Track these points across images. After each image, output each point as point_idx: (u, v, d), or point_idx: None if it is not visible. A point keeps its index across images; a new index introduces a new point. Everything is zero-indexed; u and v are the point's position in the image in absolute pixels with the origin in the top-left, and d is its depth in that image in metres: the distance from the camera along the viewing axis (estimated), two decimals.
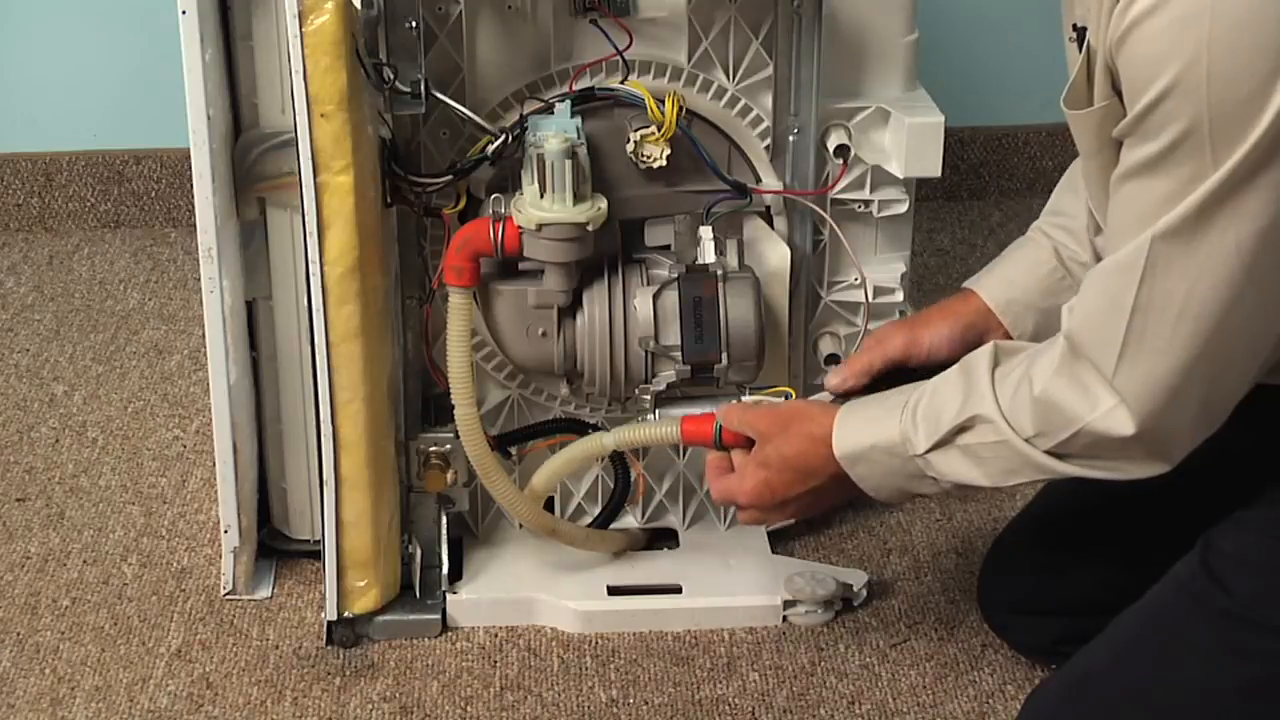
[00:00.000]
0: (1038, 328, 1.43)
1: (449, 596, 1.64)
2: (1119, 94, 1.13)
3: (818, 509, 1.45)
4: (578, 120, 1.49)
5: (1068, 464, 1.21)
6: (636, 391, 1.53)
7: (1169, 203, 1.08)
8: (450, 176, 1.52)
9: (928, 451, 1.27)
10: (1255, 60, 1.00)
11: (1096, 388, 1.16)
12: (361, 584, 1.58)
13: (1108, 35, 1.08)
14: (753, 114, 1.57)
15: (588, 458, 1.58)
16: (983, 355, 1.27)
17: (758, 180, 1.59)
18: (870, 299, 1.62)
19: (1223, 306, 1.10)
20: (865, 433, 1.31)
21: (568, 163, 1.43)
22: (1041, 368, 1.20)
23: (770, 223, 1.61)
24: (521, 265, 1.52)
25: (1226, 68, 1.01)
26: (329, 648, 1.61)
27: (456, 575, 1.66)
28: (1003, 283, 1.45)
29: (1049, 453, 1.21)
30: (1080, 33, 1.18)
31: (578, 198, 1.45)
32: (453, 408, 1.54)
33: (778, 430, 1.37)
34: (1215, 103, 1.02)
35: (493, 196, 1.51)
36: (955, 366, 1.29)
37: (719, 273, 1.51)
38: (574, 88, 1.54)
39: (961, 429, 1.25)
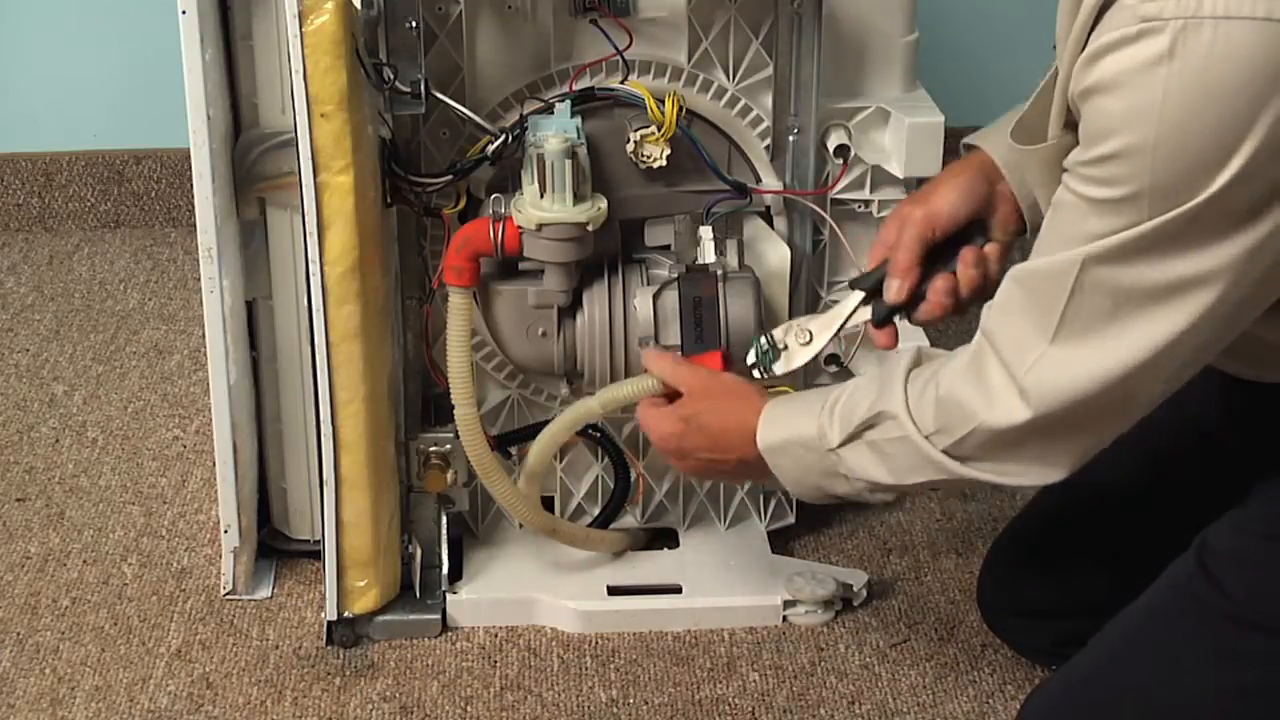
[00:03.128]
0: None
1: (449, 596, 1.64)
2: (1070, 129, 1.15)
3: (711, 477, 1.51)
4: (578, 120, 1.49)
5: (964, 466, 1.22)
6: None
7: (1104, 235, 1.09)
8: (450, 176, 1.52)
9: (839, 446, 1.29)
10: (1198, 141, 1.02)
11: (999, 387, 1.18)
12: (361, 584, 1.58)
13: (1070, 84, 1.10)
14: (753, 114, 1.57)
15: (576, 423, 1.56)
16: (903, 356, 1.28)
17: (758, 180, 1.59)
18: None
19: (1141, 331, 1.11)
20: (787, 427, 1.33)
21: (568, 163, 1.43)
22: (950, 368, 1.22)
23: (770, 223, 1.61)
24: (521, 265, 1.52)
25: (1174, 140, 1.03)
26: (329, 648, 1.61)
27: (456, 575, 1.66)
28: (1007, 141, 1.40)
29: (946, 452, 1.22)
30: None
31: (578, 198, 1.45)
32: (453, 408, 1.54)
33: (707, 398, 1.40)
34: (1159, 173, 1.04)
35: (493, 196, 1.51)
36: (874, 369, 1.31)
37: (719, 273, 1.51)
38: (574, 88, 1.54)
39: (869, 424, 1.27)
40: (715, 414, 1.39)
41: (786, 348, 1.41)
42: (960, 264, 1.34)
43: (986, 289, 1.34)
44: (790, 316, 1.62)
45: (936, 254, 1.35)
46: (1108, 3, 1.06)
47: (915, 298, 1.35)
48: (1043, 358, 1.15)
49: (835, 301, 1.47)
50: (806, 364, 1.42)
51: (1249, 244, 1.06)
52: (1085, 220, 1.10)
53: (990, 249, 1.36)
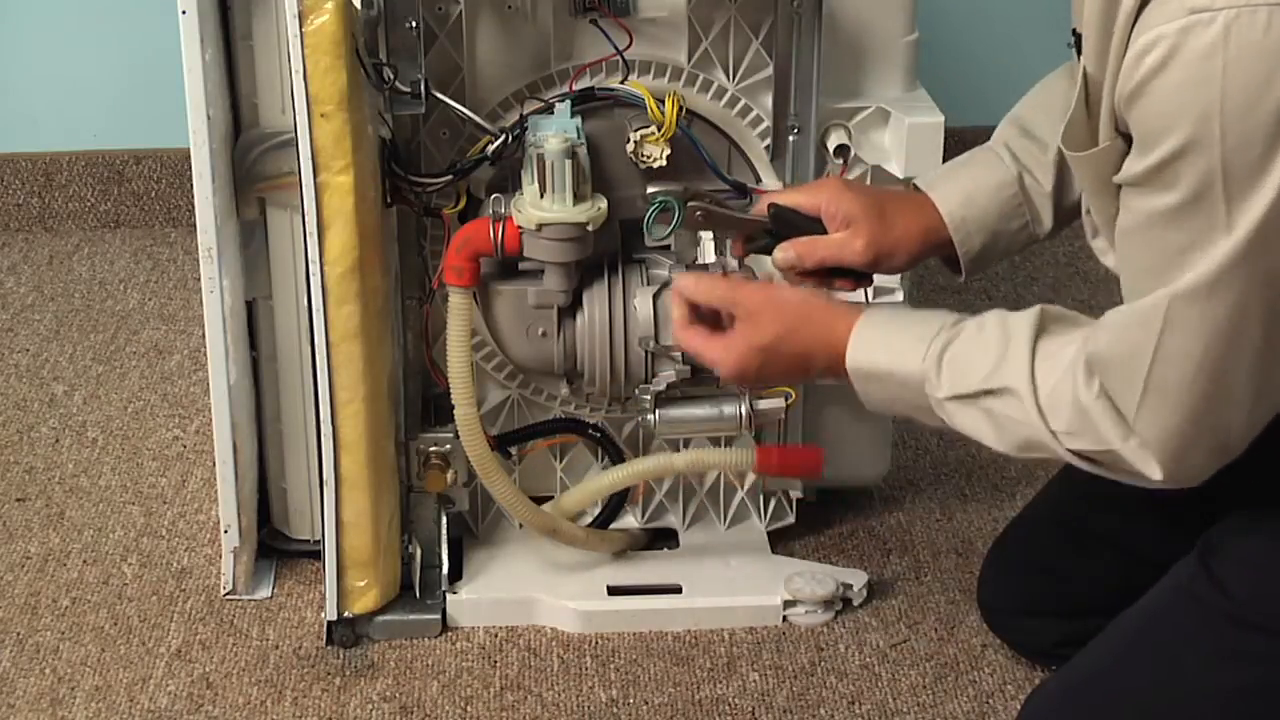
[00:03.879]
0: (984, 249, 1.42)
1: (449, 596, 1.64)
2: (1123, 135, 1.12)
3: (786, 383, 1.46)
4: (578, 120, 1.49)
5: (1084, 463, 1.20)
6: (636, 391, 1.53)
7: (1184, 254, 1.08)
8: (450, 176, 1.52)
9: (947, 400, 1.24)
10: (1268, 117, 1.01)
11: (1121, 436, 1.16)
12: (361, 584, 1.58)
13: (1118, 85, 1.08)
14: (753, 114, 1.57)
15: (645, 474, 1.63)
16: (1026, 320, 1.23)
17: (758, 180, 1.59)
18: (870, 299, 1.62)
19: (1239, 363, 1.10)
20: (884, 356, 1.28)
21: (568, 163, 1.43)
22: (1086, 381, 1.18)
23: None
24: (521, 265, 1.52)
25: (1240, 125, 1.01)
26: (329, 648, 1.61)
27: (456, 575, 1.66)
28: (961, 197, 1.42)
29: (1073, 450, 1.20)
30: (1078, 40, 1.17)
31: (578, 198, 1.45)
32: (453, 408, 1.54)
33: (781, 322, 1.33)
34: (1229, 159, 1.02)
35: (493, 196, 1.51)
36: (993, 318, 1.25)
37: (719, 272, 1.51)
38: (574, 88, 1.54)
39: (989, 393, 1.22)
40: (797, 340, 1.32)
41: (680, 218, 1.45)
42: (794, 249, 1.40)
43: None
44: None
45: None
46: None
47: (768, 249, 1.42)
48: (1144, 403, 1.14)
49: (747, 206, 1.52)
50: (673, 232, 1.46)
51: None
52: (1161, 235, 1.08)
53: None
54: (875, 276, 1.58)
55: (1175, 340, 1.10)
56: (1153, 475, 1.16)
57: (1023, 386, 1.20)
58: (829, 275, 1.41)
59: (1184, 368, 1.11)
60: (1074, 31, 1.19)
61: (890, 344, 1.28)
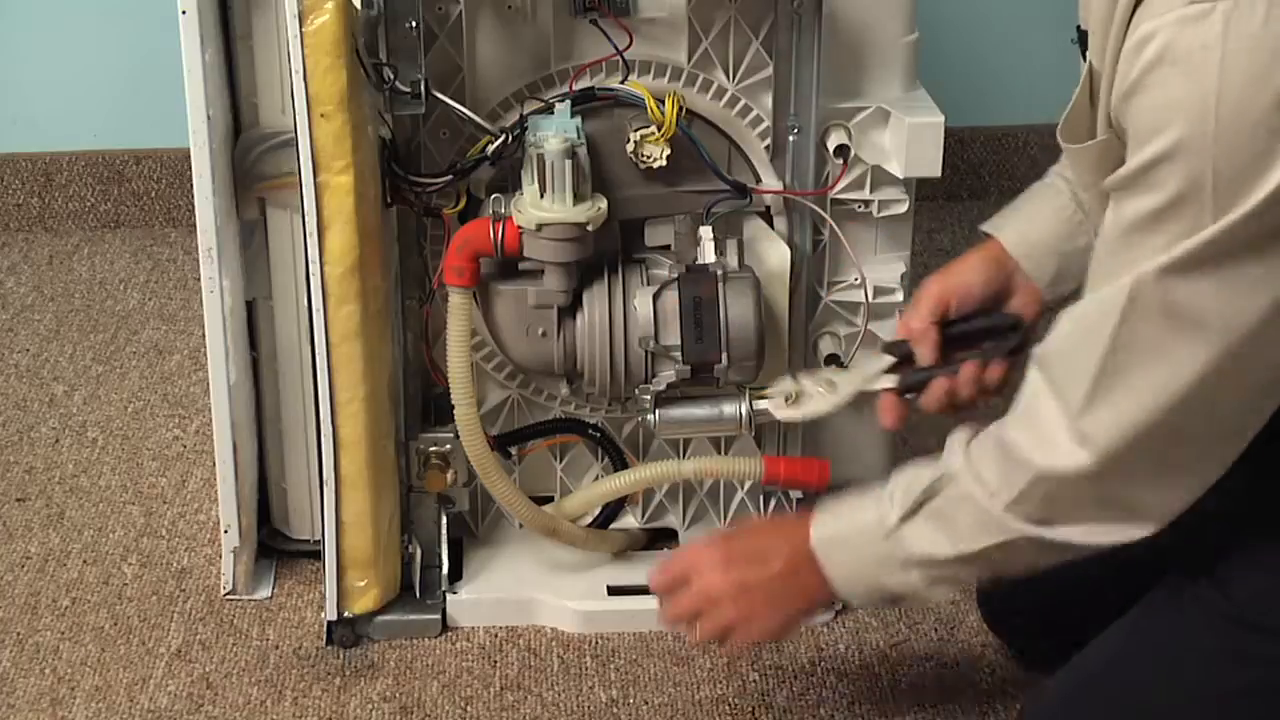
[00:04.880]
0: (1059, 271, 1.40)
1: (449, 596, 1.64)
2: (1118, 134, 1.11)
3: (747, 605, 1.34)
4: (578, 120, 1.49)
5: (1033, 526, 1.17)
6: (636, 391, 1.53)
7: (1160, 254, 1.05)
8: (450, 176, 1.52)
9: (900, 523, 1.24)
10: (1262, 121, 0.98)
11: (1054, 429, 1.14)
12: (361, 584, 1.58)
13: (1116, 80, 1.06)
14: (753, 114, 1.57)
15: (652, 480, 1.64)
16: (961, 429, 1.25)
17: (758, 180, 1.59)
18: (870, 299, 1.62)
19: (1198, 361, 1.07)
20: (843, 517, 1.30)
21: (568, 163, 1.43)
22: (1007, 418, 1.19)
23: (770, 223, 1.61)
24: (521, 265, 1.52)
25: (1236, 120, 0.99)
26: (329, 648, 1.61)
27: (456, 575, 1.66)
28: (1022, 226, 1.42)
29: (1011, 510, 1.17)
30: (1082, 37, 1.17)
31: (578, 198, 1.45)
32: (453, 408, 1.54)
33: (740, 531, 1.39)
34: (1220, 163, 1.00)
35: (493, 196, 1.51)
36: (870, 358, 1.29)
37: (719, 273, 1.51)
38: (574, 88, 1.54)
39: (931, 493, 1.23)
40: (761, 527, 1.38)
41: (803, 391, 1.45)
42: (962, 372, 1.35)
43: (985, 398, 1.36)
44: (790, 317, 1.62)
45: (962, 336, 1.38)
46: None
47: (918, 384, 1.37)
48: (1095, 394, 1.10)
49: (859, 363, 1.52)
50: (822, 414, 1.45)
51: None
52: (1138, 240, 1.06)
53: (994, 366, 1.36)
54: (874, 287, 1.59)
55: (1137, 325, 1.07)
56: (1080, 462, 1.12)
57: (957, 463, 1.21)
58: (969, 346, 1.40)
59: (1144, 354, 1.08)
60: (1079, 29, 1.19)
61: (850, 506, 1.31)
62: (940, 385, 1.36)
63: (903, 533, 1.24)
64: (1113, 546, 1.17)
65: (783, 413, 1.46)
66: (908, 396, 1.39)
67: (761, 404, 1.52)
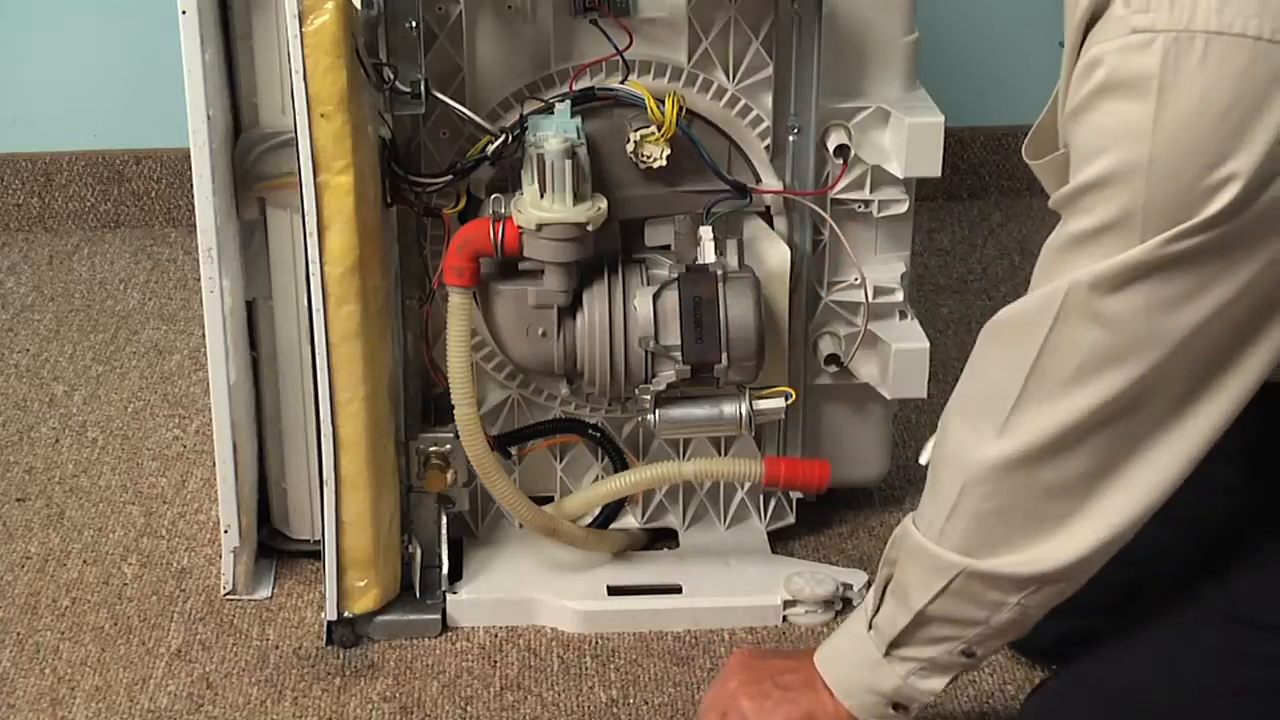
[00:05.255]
0: None
1: (449, 596, 1.64)
2: None
3: (773, 706, 1.32)
4: (578, 120, 1.49)
5: (965, 557, 1.16)
6: (636, 391, 1.53)
7: (1095, 264, 1.06)
8: (450, 176, 1.52)
9: (873, 615, 1.25)
10: (1197, 154, 1.00)
11: (983, 421, 1.14)
12: (361, 584, 1.58)
13: (1067, 101, 1.08)
14: (753, 114, 1.57)
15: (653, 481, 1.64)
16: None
17: (758, 180, 1.59)
18: (870, 299, 1.63)
19: (1126, 373, 1.08)
20: (840, 632, 1.31)
21: (568, 163, 1.43)
22: (946, 415, 1.19)
23: (770, 223, 1.61)
24: (521, 265, 1.52)
25: (1168, 157, 1.00)
26: (329, 648, 1.61)
27: (456, 575, 1.66)
28: None
29: (943, 541, 1.17)
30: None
31: (578, 198, 1.45)
32: (453, 408, 1.54)
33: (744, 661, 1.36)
34: (1153, 190, 1.02)
35: (493, 196, 1.51)
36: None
37: (719, 273, 1.51)
38: (574, 88, 1.54)
39: (889, 565, 1.24)
40: (764, 664, 1.34)
41: None
42: None
43: None
44: (790, 317, 1.62)
45: None
46: (1099, 12, 1.04)
47: None
48: (1024, 392, 1.11)
49: None
50: None
51: (1246, 277, 1.04)
52: (1072, 257, 1.07)
53: None
54: (874, 287, 1.59)
55: (1067, 330, 1.08)
56: (994, 453, 1.12)
57: (907, 523, 1.21)
58: None
59: (1070, 359, 1.08)
60: (1060, 43, 1.19)
61: (844, 622, 1.31)
62: None
63: (876, 623, 1.25)
64: (1038, 576, 1.16)
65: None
66: None
67: (762, 404, 1.52)
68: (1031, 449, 1.12)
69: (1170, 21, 0.99)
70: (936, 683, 1.25)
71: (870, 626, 1.26)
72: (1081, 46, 1.06)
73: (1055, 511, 1.14)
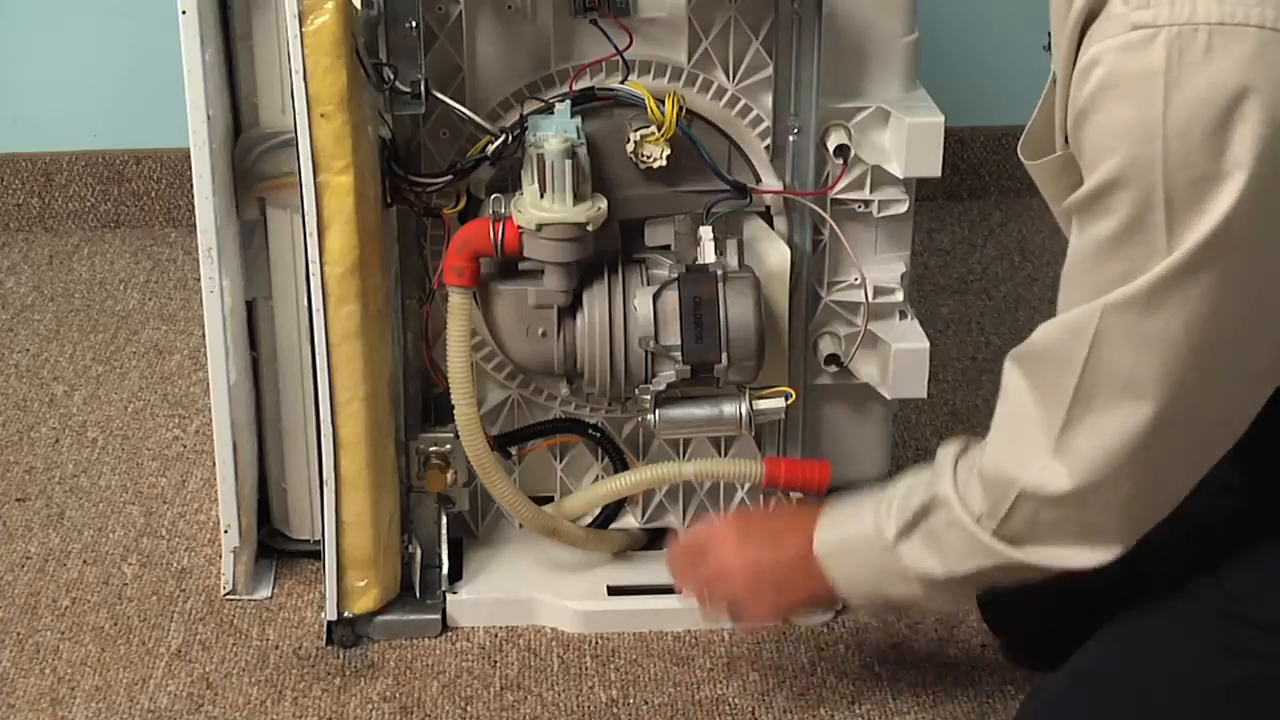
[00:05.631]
0: None
1: (449, 596, 1.64)
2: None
3: (754, 598, 1.40)
4: (578, 120, 1.49)
5: (1013, 549, 1.20)
6: (636, 391, 1.53)
7: (1124, 280, 1.07)
8: (450, 176, 1.52)
9: (896, 540, 1.27)
10: (1208, 143, 1.00)
11: (1036, 448, 1.16)
12: (361, 584, 1.58)
13: (1069, 103, 1.08)
14: (753, 114, 1.57)
15: (652, 482, 1.64)
16: (952, 442, 1.28)
17: (758, 180, 1.59)
18: (870, 299, 1.62)
19: (1170, 385, 1.09)
20: (845, 527, 1.33)
21: (568, 163, 1.43)
22: (990, 441, 1.21)
23: (770, 223, 1.61)
24: (521, 265, 1.52)
25: (1180, 149, 1.01)
26: (329, 648, 1.61)
27: (456, 575, 1.66)
28: None
29: (997, 534, 1.20)
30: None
31: (578, 198, 1.45)
32: (453, 408, 1.54)
33: (759, 512, 1.43)
34: (1169, 184, 1.02)
35: (493, 196, 1.51)
36: (928, 466, 1.30)
37: (719, 273, 1.51)
38: (574, 88, 1.54)
39: (925, 513, 1.26)
40: (770, 518, 1.41)
41: None
42: None
43: None
44: (790, 317, 1.62)
45: None
46: (1095, 11, 1.05)
47: None
48: (1070, 419, 1.13)
49: None
50: None
51: (1273, 269, 1.04)
52: (1101, 265, 1.08)
53: None
54: (874, 287, 1.59)
55: (1105, 351, 1.09)
56: (1060, 486, 1.15)
57: (946, 488, 1.24)
58: None
59: (1114, 381, 1.10)
60: (1049, 35, 1.19)
61: (850, 514, 1.34)
62: None
63: (899, 550, 1.28)
64: (1086, 570, 1.20)
65: None
66: None
67: (762, 404, 1.52)
68: (1086, 484, 1.14)
69: (1172, 16, 1.00)
70: (953, 606, 1.29)
71: (889, 547, 1.28)
72: (1079, 47, 1.06)
73: (1103, 523, 1.18)
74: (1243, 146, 1.00)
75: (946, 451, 1.27)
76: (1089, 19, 1.05)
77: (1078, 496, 1.15)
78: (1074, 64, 1.07)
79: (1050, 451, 1.15)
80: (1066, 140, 1.13)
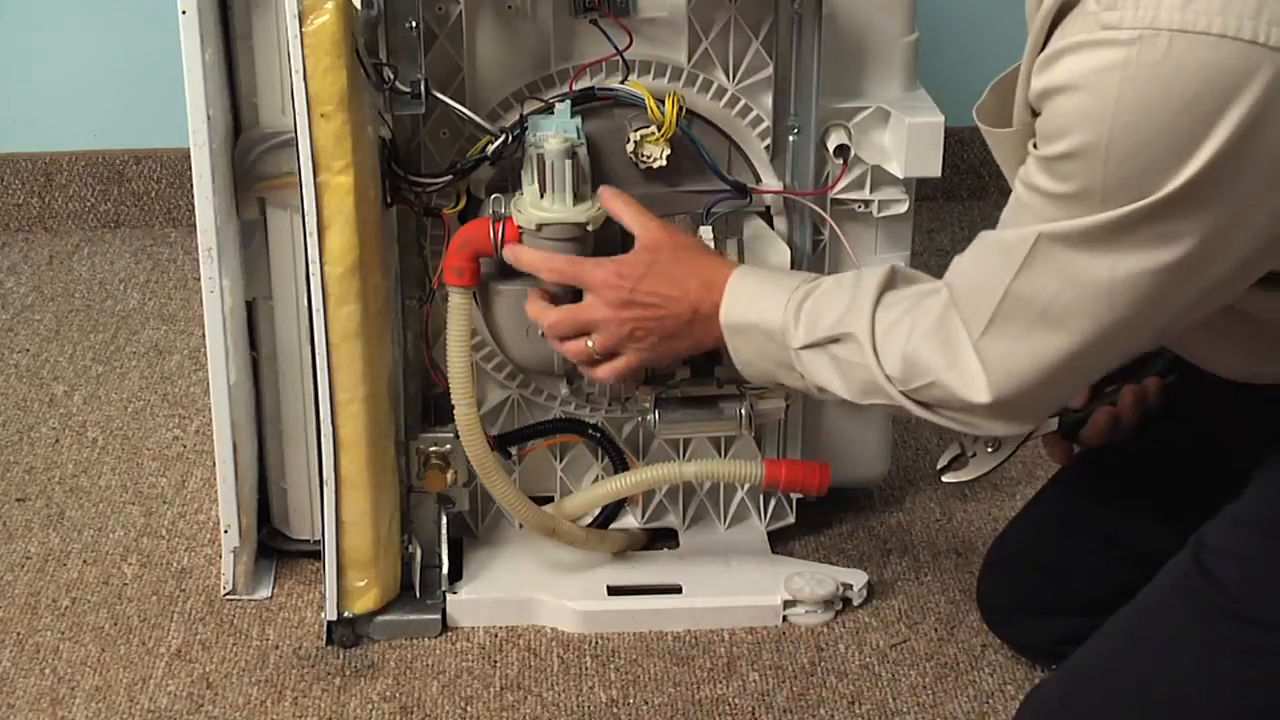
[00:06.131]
0: None
1: (449, 596, 1.64)
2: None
3: (646, 346, 1.42)
4: (578, 120, 1.49)
5: (920, 410, 1.27)
6: (636, 392, 1.53)
7: (1063, 220, 1.13)
8: (450, 176, 1.52)
9: (801, 348, 1.33)
10: (1151, 150, 1.06)
11: (962, 351, 1.22)
12: (361, 584, 1.58)
13: (1032, 80, 1.12)
14: (753, 114, 1.57)
15: (654, 482, 1.65)
16: (876, 273, 1.32)
17: (758, 180, 1.59)
18: None
19: (1086, 319, 1.15)
20: (753, 309, 1.36)
21: (568, 163, 1.43)
22: (920, 321, 1.25)
23: (770, 223, 1.61)
24: None
25: (1123, 140, 1.06)
26: (329, 648, 1.61)
27: (456, 575, 1.66)
28: None
29: (905, 394, 1.27)
30: None
31: (578, 198, 1.45)
32: (453, 408, 1.54)
33: (673, 246, 1.42)
34: (1110, 177, 1.08)
35: (493, 196, 1.51)
36: (851, 274, 1.35)
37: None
38: (574, 88, 1.54)
39: (834, 339, 1.31)
40: (680, 261, 1.41)
41: (975, 454, 1.50)
42: (1123, 399, 1.43)
43: (1146, 419, 1.43)
44: None
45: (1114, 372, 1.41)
46: (1067, 7, 1.09)
47: (1079, 422, 1.45)
48: (989, 330, 1.19)
49: None
50: (988, 472, 1.50)
51: (1196, 251, 1.09)
52: (1044, 207, 1.14)
53: (1151, 383, 1.43)
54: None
55: (1032, 276, 1.15)
56: (978, 398, 1.21)
57: (862, 331, 1.29)
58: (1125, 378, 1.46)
59: (1034, 305, 1.16)
60: None
61: (760, 295, 1.37)
62: (1101, 417, 1.44)
63: (803, 356, 1.33)
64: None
65: (949, 476, 1.52)
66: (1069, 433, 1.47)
67: (762, 404, 1.52)
68: (1000, 400, 1.21)
69: (1136, 19, 1.04)
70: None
71: (792, 349, 1.33)
72: (1048, 38, 1.11)
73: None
74: (1187, 151, 1.05)
75: (870, 283, 1.31)
76: (1060, 14, 1.10)
77: (992, 408, 1.22)
78: (1039, 49, 1.12)
79: (973, 354, 1.21)
80: (1027, 116, 1.17)
